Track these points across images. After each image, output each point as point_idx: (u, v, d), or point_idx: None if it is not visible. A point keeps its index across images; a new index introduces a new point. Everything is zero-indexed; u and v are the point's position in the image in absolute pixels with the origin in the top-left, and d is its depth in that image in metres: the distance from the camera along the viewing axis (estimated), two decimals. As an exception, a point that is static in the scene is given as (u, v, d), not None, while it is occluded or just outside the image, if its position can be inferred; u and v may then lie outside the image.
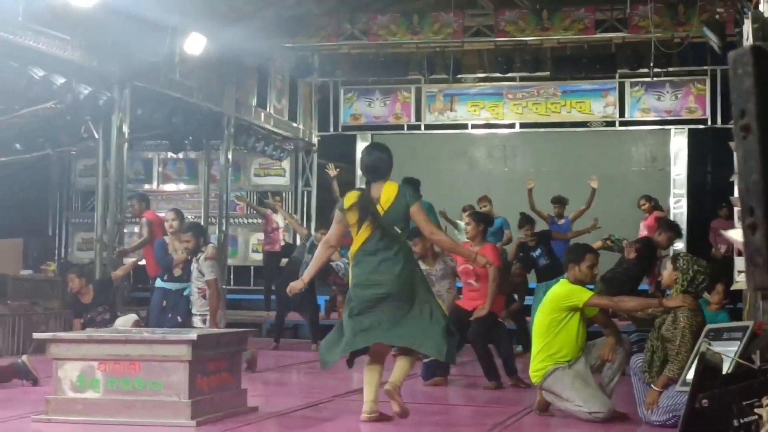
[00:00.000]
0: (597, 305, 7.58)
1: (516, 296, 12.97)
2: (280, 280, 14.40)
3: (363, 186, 7.40)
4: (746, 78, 1.43)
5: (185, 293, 10.49)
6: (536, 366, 7.64)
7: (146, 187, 19.37)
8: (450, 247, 8.12)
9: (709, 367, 4.42)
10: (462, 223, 11.90)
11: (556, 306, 7.57)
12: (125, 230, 15.55)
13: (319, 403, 8.24)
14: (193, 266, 10.33)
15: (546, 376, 7.53)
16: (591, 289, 7.93)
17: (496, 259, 9.50)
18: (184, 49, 14.39)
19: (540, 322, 7.70)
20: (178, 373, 6.81)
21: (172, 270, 10.56)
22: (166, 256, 10.62)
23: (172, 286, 10.53)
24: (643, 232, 14.83)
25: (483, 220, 9.86)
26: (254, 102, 17.79)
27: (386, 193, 7.13)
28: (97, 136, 14.37)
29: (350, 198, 7.25)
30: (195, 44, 14.45)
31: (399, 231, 7.08)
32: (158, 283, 10.73)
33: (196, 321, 10.16)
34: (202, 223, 16.91)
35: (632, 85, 18.79)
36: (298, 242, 15.07)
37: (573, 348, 7.55)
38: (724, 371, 5.04)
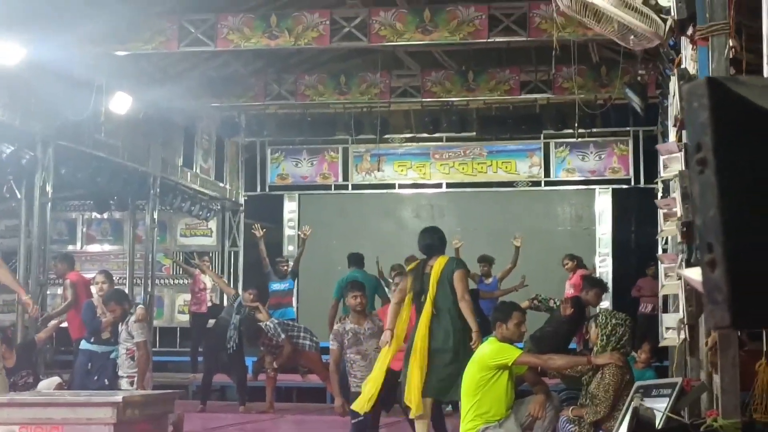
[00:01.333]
0: (526, 363, 7.58)
1: None
2: (207, 341, 14.22)
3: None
4: (701, 111, 1.42)
5: (111, 356, 10.33)
6: (466, 426, 7.60)
7: (70, 247, 19.04)
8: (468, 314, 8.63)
9: (642, 422, 4.42)
10: (392, 282, 11.89)
11: (485, 365, 7.55)
12: (48, 292, 15.28)
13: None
14: (122, 328, 10.18)
15: None
16: (520, 348, 7.94)
17: None
18: (109, 108, 14.24)
19: (468, 381, 7.67)
20: (102, 436, 6.65)
21: (100, 332, 10.40)
22: (95, 318, 10.46)
23: (99, 348, 10.36)
24: (569, 291, 14.93)
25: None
26: (180, 162, 17.67)
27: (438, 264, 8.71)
28: (19, 195, 14.14)
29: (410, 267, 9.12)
30: (120, 103, 14.32)
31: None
32: (84, 345, 10.54)
33: (123, 383, 9.99)
34: (128, 284, 16.70)
35: (557, 145, 19.03)
36: (225, 303, 14.91)
37: (502, 406, 7.53)
38: (657, 426, 5.05)
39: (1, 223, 19.09)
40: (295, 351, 12.95)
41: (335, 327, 9.98)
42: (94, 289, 10.80)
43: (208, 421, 12.02)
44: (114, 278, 11.66)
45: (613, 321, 7.45)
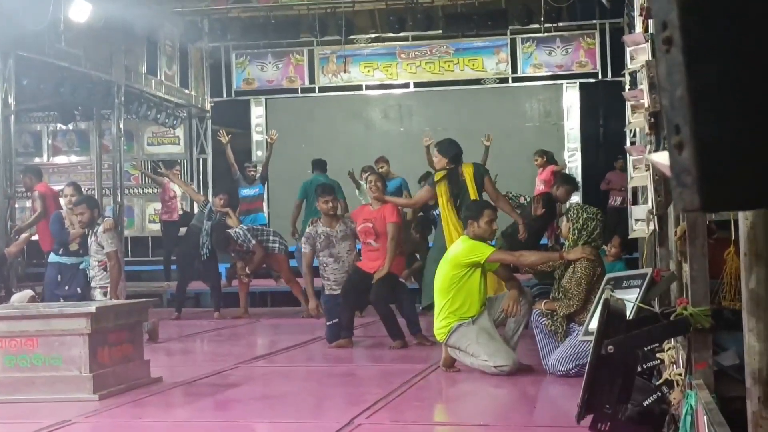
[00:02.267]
0: (498, 260, 7.63)
1: (418, 255, 13.01)
2: (179, 248, 14.21)
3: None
4: (667, -14, 1.38)
5: (81, 266, 10.32)
6: (440, 323, 7.67)
7: (36, 160, 18.86)
8: (509, 210, 10.04)
9: (613, 314, 4.44)
10: (364, 184, 11.84)
11: (457, 262, 7.60)
12: (16, 205, 15.17)
13: (223, 370, 8.15)
14: (91, 239, 10.14)
15: (450, 332, 7.57)
16: (492, 245, 7.97)
17: (395, 216, 9.52)
18: (69, 16, 13.95)
19: (441, 279, 7.72)
20: (77, 346, 6.67)
21: (68, 244, 10.37)
22: (63, 230, 10.42)
23: (69, 260, 10.36)
24: (539, 187, 14.99)
25: (384, 183, 9.91)
26: (144, 69, 17.42)
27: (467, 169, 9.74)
28: (-19, 108, 13.93)
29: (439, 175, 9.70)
30: (80, 11, 14.01)
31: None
32: (53, 257, 10.51)
33: (97, 294, 9.99)
34: (96, 195, 16.59)
35: (523, 41, 18.88)
36: (196, 210, 14.87)
37: (475, 303, 7.59)
38: (627, 317, 5.08)
39: (-35, 138, 18.87)
40: (266, 255, 13.00)
41: (307, 230, 10.00)
42: (62, 201, 10.72)
43: (183, 328, 12.08)
44: (83, 190, 11.58)
45: (585, 215, 7.49)
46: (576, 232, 7.44)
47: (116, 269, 10.11)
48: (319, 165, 14.58)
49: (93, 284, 10.18)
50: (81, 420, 6.03)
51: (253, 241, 12.84)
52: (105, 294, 10.08)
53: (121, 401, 6.63)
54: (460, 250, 7.68)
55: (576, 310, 7.25)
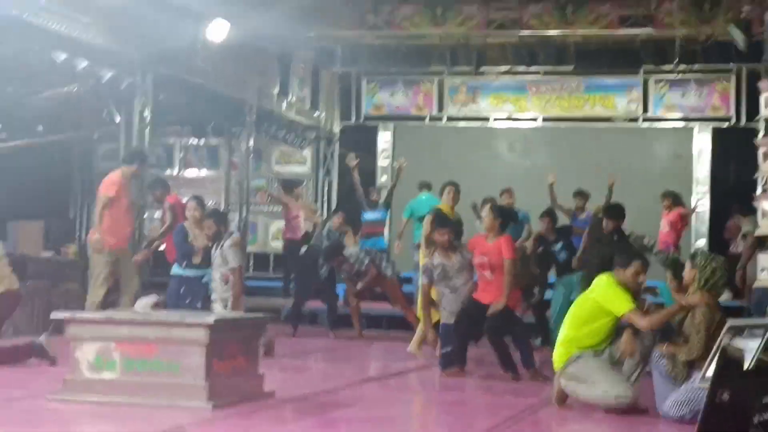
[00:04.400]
0: (631, 321, 7.47)
1: (536, 290, 12.93)
2: (299, 267, 14.41)
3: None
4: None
5: (203, 281, 10.53)
6: (561, 351, 7.58)
7: (167, 172, 19.32)
8: None
9: (730, 362, 4.38)
10: None
11: (599, 304, 7.50)
12: (145, 215, 15.56)
13: (334, 389, 8.21)
14: (216, 253, 10.36)
15: (570, 361, 7.48)
16: (634, 301, 7.71)
17: (510, 252, 9.48)
18: (207, 35, 14.32)
19: (578, 310, 7.64)
20: (195, 356, 6.80)
21: (191, 257, 10.60)
22: (185, 243, 10.66)
23: (191, 273, 10.57)
24: (664, 229, 14.75)
25: (501, 215, 9.84)
26: (276, 90, 17.75)
27: None
28: (118, 120, 14.38)
29: None
30: (218, 30, 14.36)
31: None
32: (176, 270, 10.74)
33: (217, 306, 10.19)
34: (223, 210, 16.94)
35: (656, 81, 18.65)
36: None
37: (601, 340, 7.51)
38: (745, 367, 4.99)
39: (102, 147, 19.46)
40: (378, 276, 13.11)
41: (425, 262, 10.02)
42: (186, 214, 10.97)
43: (298, 345, 12.22)
44: (207, 204, 11.82)
45: (713, 264, 7.35)
46: (702, 279, 7.31)
47: (239, 285, 10.34)
48: (426, 184, 14.87)
49: (213, 296, 10.39)
50: (194, 427, 6.16)
51: (366, 261, 12.96)
52: (225, 306, 10.29)
53: (233, 412, 6.74)
54: (602, 291, 7.57)
55: (697, 356, 7.10)
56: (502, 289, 9.36)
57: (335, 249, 13.27)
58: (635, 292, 7.65)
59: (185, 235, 10.73)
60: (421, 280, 10.05)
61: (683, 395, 7.00)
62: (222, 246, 10.37)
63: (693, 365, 7.20)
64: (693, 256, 7.65)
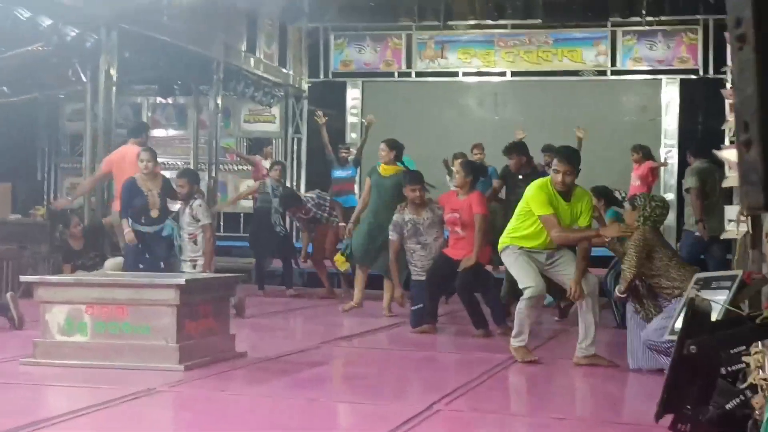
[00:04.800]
0: (544, 223, 7.60)
1: None
2: (252, 228, 14.47)
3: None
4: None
5: (164, 234, 10.46)
6: (501, 239, 7.97)
7: (135, 132, 19.22)
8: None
9: (697, 314, 4.40)
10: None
11: (527, 202, 7.73)
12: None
13: (306, 349, 8.24)
14: (186, 211, 10.32)
15: (502, 250, 7.87)
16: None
17: (481, 207, 9.51)
18: (172, -9, 14.19)
19: (521, 205, 7.85)
20: (166, 317, 6.81)
21: (149, 212, 10.44)
22: (140, 197, 10.41)
23: (150, 228, 10.43)
24: (635, 183, 14.82)
25: (473, 171, 9.86)
26: (243, 47, 17.62)
27: None
28: (84, 79, 14.23)
29: None
30: (184, -13, 14.27)
31: None
32: (133, 226, 10.48)
33: (186, 266, 10.17)
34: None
35: (624, 33, 18.66)
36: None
37: (529, 235, 7.64)
38: (713, 318, 5.03)
39: (68, 107, 19.30)
40: (327, 225, 13.24)
41: (395, 217, 10.04)
42: (139, 165, 10.66)
43: (268, 305, 12.23)
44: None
45: (653, 203, 7.56)
46: (642, 217, 7.48)
47: (211, 242, 10.35)
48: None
49: (183, 257, 10.36)
50: (165, 389, 6.17)
51: (325, 214, 13.11)
52: (194, 266, 10.27)
53: (205, 373, 6.75)
54: (531, 191, 7.71)
55: (628, 277, 7.30)
56: (473, 245, 9.40)
57: (293, 197, 13.35)
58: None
59: (136, 190, 10.45)
60: (391, 235, 10.07)
61: (662, 322, 7.09)
62: (191, 205, 10.33)
63: (656, 296, 7.33)
64: (633, 200, 7.86)
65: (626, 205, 7.92)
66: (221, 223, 18.72)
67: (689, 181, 11.69)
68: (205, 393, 6.25)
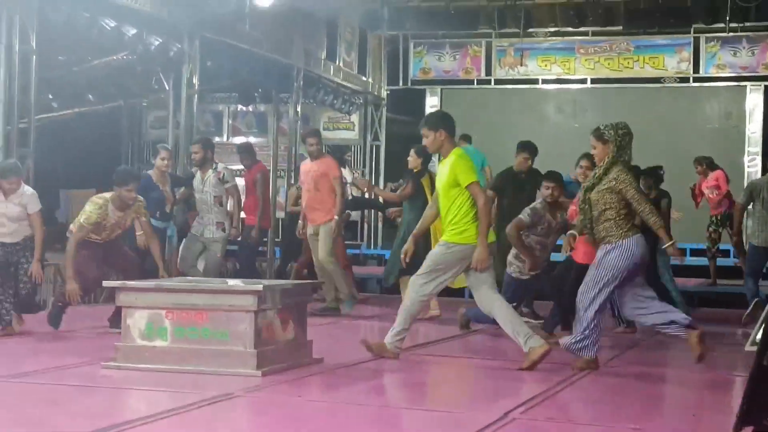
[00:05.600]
0: (472, 193, 7.55)
1: None
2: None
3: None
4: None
5: (168, 234, 11.14)
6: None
7: (216, 139, 19.44)
8: None
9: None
10: None
11: (454, 173, 7.68)
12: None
13: (383, 356, 8.25)
14: (209, 174, 10.99)
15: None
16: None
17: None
18: (254, 0, 14.33)
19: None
20: (244, 323, 6.87)
21: (164, 208, 10.89)
22: (158, 191, 10.81)
23: (160, 224, 10.79)
24: (711, 195, 14.52)
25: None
26: (323, 55, 17.75)
27: None
28: (167, 87, 14.47)
29: None
30: (265, -5, 14.38)
31: None
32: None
33: (213, 230, 10.39)
34: (271, 176, 17.05)
35: (707, 40, 18.44)
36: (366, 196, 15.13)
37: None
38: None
39: (151, 114, 19.64)
40: None
41: (538, 206, 9.62)
42: (161, 163, 11.13)
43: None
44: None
45: (621, 131, 7.54)
46: (616, 150, 7.40)
47: (239, 203, 11.19)
48: (466, 136, 14.94)
49: (204, 221, 10.91)
50: (243, 394, 6.23)
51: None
52: (222, 230, 10.96)
53: (282, 379, 6.81)
54: (455, 162, 7.62)
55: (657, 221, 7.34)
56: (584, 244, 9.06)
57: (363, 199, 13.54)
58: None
59: (153, 185, 10.81)
60: (522, 216, 9.56)
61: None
62: (216, 168, 11.04)
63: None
64: (597, 131, 7.62)
65: (590, 137, 7.70)
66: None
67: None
68: (281, 398, 6.30)
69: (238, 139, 19.71)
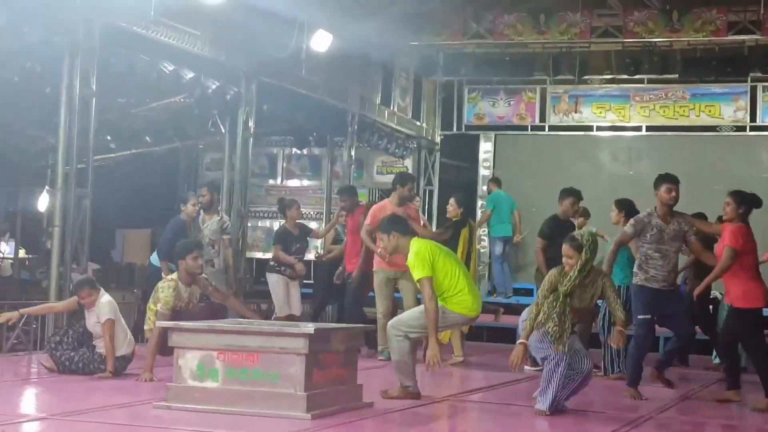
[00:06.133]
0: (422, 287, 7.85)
1: None
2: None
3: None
4: None
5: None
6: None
7: (270, 182, 19.63)
8: None
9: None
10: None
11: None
12: (248, 224, 15.77)
13: (433, 402, 8.20)
14: (214, 220, 11.51)
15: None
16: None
17: (732, 240, 8.65)
18: (310, 45, 14.44)
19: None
20: (294, 365, 6.85)
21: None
22: (182, 236, 10.93)
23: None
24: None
25: (743, 201, 9.12)
26: (378, 99, 17.85)
27: None
28: (223, 130, 14.64)
29: None
30: (321, 40, 14.48)
31: None
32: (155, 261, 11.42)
33: (206, 267, 10.48)
34: (324, 220, 17.13)
35: (765, 89, 18.29)
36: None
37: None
38: None
39: (207, 156, 19.81)
40: None
41: (642, 216, 9.09)
42: (189, 208, 11.47)
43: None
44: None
45: (591, 245, 7.64)
46: (584, 263, 7.59)
47: (233, 257, 12.01)
48: (497, 180, 17.30)
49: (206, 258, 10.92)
50: (292, 437, 6.21)
51: None
52: (212, 265, 11.31)
53: (331, 422, 6.78)
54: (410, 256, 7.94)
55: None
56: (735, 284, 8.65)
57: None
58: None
59: (181, 230, 11.16)
60: (627, 228, 9.10)
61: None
62: (222, 217, 11.65)
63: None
64: (574, 241, 7.68)
65: (565, 247, 7.69)
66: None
67: None
68: (331, 442, 6.28)
69: (292, 182, 19.84)
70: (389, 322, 8.25)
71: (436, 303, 7.80)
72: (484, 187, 19.16)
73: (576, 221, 12.40)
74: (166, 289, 8.90)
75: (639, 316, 8.89)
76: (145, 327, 9.13)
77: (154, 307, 8.98)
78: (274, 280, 12.09)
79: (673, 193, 9.00)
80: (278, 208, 13.03)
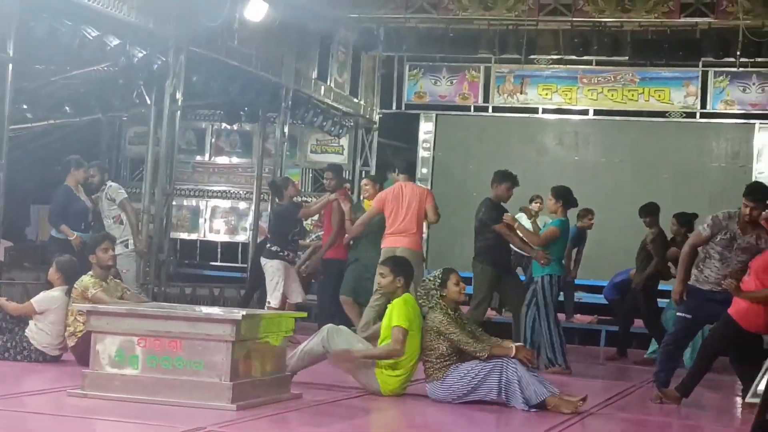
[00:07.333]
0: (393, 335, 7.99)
1: None
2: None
3: None
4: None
5: None
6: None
7: (198, 158, 19.47)
8: None
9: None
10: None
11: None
12: (174, 203, 15.65)
13: (366, 394, 8.21)
14: (101, 197, 11.51)
15: None
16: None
17: None
18: (244, 14, 14.29)
19: None
20: (220, 353, 6.83)
21: (88, 220, 11.40)
22: (76, 203, 11.21)
23: (86, 236, 10.89)
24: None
25: None
26: (314, 74, 17.76)
27: None
28: (149, 102, 14.46)
29: None
30: (256, 10, 14.31)
31: None
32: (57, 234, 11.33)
33: (119, 248, 10.37)
34: (254, 199, 17.06)
35: (716, 74, 18.52)
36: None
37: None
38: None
39: (131, 130, 19.60)
40: None
41: (720, 218, 8.85)
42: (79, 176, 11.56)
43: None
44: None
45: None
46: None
47: (134, 214, 11.70)
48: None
49: (118, 242, 10.69)
50: (216, 428, 6.19)
51: None
52: (126, 246, 11.29)
53: (257, 413, 6.77)
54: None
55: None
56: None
57: None
58: None
59: (72, 197, 11.31)
60: (702, 228, 8.92)
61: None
62: (106, 190, 11.56)
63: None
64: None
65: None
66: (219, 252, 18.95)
67: None
68: (256, 435, 6.28)
69: (221, 159, 19.70)
70: (338, 327, 8.41)
71: (396, 354, 7.94)
72: (424, 170, 19.21)
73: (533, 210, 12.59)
74: (91, 287, 8.63)
75: (678, 314, 8.91)
76: (66, 332, 8.77)
77: (75, 312, 8.60)
78: (276, 266, 11.75)
79: (755, 212, 8.73)
80: (272, 191, 12.86)
